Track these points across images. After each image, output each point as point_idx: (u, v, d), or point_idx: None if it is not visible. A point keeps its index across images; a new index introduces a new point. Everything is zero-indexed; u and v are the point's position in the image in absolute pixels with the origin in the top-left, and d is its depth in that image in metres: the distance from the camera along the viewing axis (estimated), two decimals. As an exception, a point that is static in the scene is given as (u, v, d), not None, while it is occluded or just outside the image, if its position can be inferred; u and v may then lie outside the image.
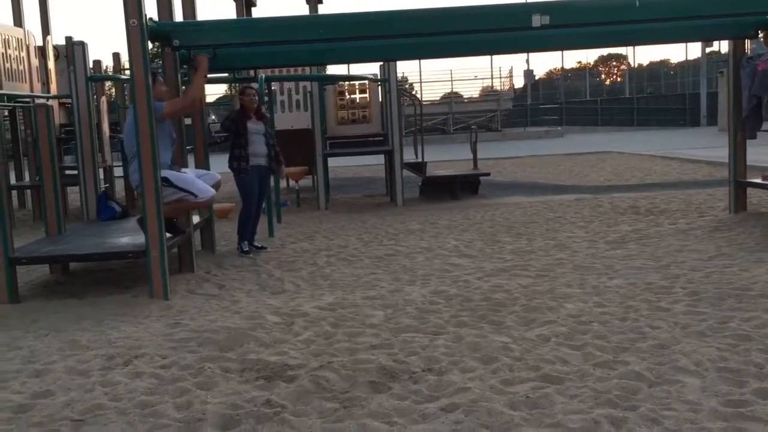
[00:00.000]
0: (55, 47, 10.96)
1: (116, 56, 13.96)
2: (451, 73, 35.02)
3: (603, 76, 63.23)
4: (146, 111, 5.19)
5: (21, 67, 9.90)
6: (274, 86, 11.71)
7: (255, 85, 8.00)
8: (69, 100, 9.12)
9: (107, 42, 58.07)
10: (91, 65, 9.58)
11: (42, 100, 9.02)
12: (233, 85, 12.27)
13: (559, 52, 45.04)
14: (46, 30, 11.94)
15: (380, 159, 13.07)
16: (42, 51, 10.68)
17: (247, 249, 7.06)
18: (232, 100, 14.63)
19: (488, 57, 32.87)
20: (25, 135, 11.68)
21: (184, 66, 6.44)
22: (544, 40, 7.08)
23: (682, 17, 6.59)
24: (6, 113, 11.50)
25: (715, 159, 14.21)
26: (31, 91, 10.01)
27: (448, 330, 4.13)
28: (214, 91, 35.74)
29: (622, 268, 5.62)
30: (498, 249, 6.77)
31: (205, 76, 6.25)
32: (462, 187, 11.33)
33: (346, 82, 11.94)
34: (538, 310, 4.45)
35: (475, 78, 37.08)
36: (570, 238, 7.16)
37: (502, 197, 11.01)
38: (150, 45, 5.57)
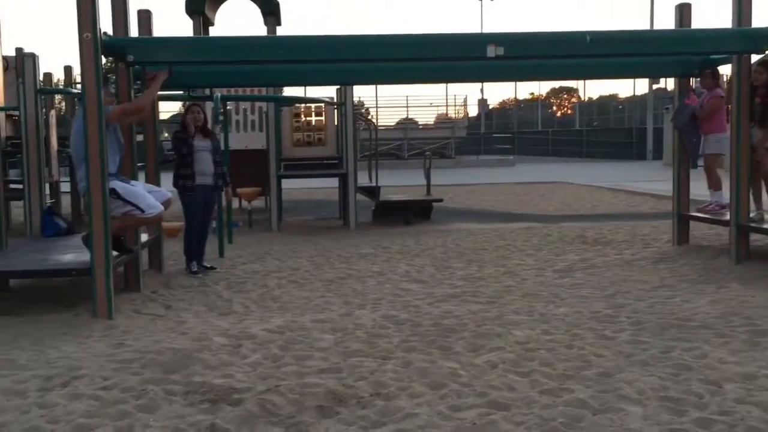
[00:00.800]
0: (5, 58, 10.69)
1: (68, 69, 13.72)
2: (407, 100, 35.34)
3: (554, 108, 64.69)
4: (97, 126, 5.10)
5: (-32, 77, 9.63)
6: (230, 105, 11.64)
7: (208, 103, 7.93)
8: (17, 113, 8.90)
9: (59, 54, 56.91)
10: (41, 78, 9.38)
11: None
12: (186, 103, 12.16)
13: (513, 83, 46.07)
14: (-5, 40, 11.64)
15: (334, 182, 13.07)
16: (-9, 62, 10.41)
17: (195, 269, 6.95)
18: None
19: (444, 85, 33.32)
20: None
21: (138, 82, 6.36)
22: (499, 70, 7.23)
23: (630, 54, 6.82)
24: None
25: (660, 192, 14.61)
26: (-22, 101, 9.73)
27: (397, 355, 4.12)
28: (168, 108, 35.34)
29: (569, 296, 5.71)
30: (449, 275, 6.82)
31: (158, 89, 6.15)
32: (415, 212, 11.39)
33: (303, 104, 11.95)
34: (486, 336, 4.48)
35: (431, 105, 37.46)
36: (519, 265, 7.26)
37: (454, 224, 11.10)
38: (103, 59, 5.48)
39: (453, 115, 35.57)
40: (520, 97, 61.94)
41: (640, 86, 44.44)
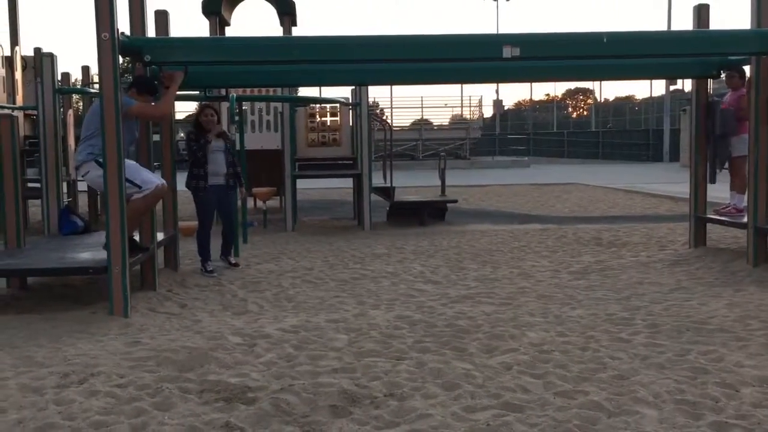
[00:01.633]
0: (24, 58, 10.79)
1: (85, 69, 13.80)
2: (422, 100, 35.27)
3: (570, 109, 64.40)
4: (114, 127, 5.12)
5: (-14, 77, 9.73)
6: (245, 106, 11.68)
7: (226, 104, 7.97)
8: (35, 112, 8.99)
9: (77, 54, 57.45)
10: (59, 77, 9.46)
11: (7, 111, 8.87)
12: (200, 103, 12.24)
13: (528, 84, 45.92)
14: (14, 40, 11.77)
15: (349, 182, 13.09)
16: (9, 61, 10.52)
17: (210, 269, 6.98)
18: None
19: (459, 86, 33.26)
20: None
21: (155, 82, 6.40)
22: (514, 71, 7.21)
23: (647, 55, 6.77)
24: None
25: (677, 194, 14.51)
26: (-4, 100, 9.83)
27: (411, 355, 4.12)
28: (183, 109, 35.54)
29: (584, 298, 5.68)
30: (463, 276, 6.81)
31: (175, 93, 6.21)
32: (429, 213, 11.38)
33: (318, 105, 11.97)
34: (500, 337, 4.47)
35: (445, 106, 37.41)
36: (534, 267, 7.23)
37: (469, 224, 11.08)
38: (120, 59, 5.52)
39: (468, 116, 35.49)
40: (536, 98, 61.83)
41: (657, 87, 44.18)
